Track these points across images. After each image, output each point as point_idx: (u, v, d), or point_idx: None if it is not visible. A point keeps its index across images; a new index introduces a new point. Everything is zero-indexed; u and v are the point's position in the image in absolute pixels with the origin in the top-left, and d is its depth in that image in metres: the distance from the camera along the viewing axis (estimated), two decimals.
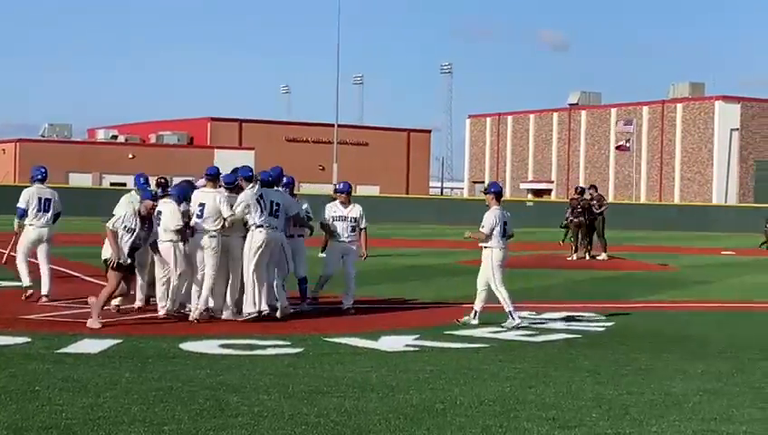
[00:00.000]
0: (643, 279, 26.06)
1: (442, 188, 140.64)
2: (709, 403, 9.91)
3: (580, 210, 31.99)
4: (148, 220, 14.86)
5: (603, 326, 15.85)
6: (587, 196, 33.04)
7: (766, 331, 16.10)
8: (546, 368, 11.78)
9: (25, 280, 17.20)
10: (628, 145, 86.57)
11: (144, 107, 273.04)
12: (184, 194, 15.76)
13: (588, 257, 31.78)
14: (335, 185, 18.99)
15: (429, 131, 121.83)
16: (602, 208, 32.40)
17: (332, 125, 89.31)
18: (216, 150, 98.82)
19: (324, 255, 18.42)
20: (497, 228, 15.54)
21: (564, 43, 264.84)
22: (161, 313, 15.46)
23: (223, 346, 12.87)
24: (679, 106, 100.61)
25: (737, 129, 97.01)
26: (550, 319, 16.52)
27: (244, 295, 15.30)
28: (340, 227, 17.12)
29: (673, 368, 12.00)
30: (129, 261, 14.66)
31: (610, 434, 8.46)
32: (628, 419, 9.10)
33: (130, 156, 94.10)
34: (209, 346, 12.83)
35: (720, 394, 10.40)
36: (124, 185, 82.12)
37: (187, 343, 12.99)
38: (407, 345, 13.36)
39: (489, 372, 11.43)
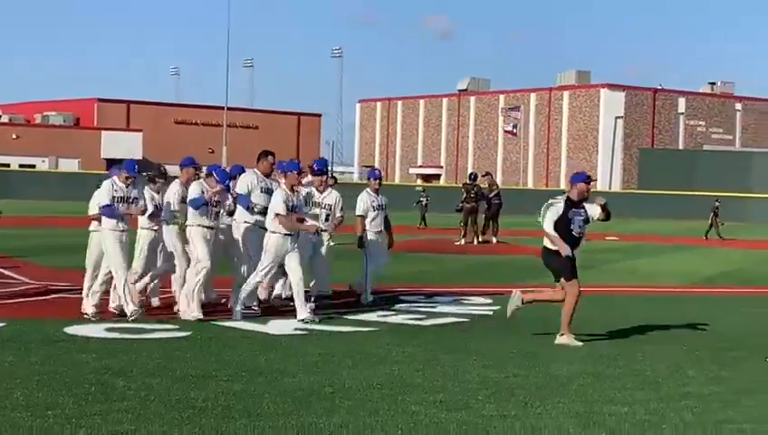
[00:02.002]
0: (530, 264, 26.37)
1: (332, 172, 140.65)
2: (593, 386, 10.09)
3: (473, 196, 32.39)
4: None
5: (491, 310, 16.02)
6: (479, 182, 33.49)
7: (648, 314, 16.45)
8: (434, 351, 11.88)
9: None
10: (515, 131, 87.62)
11: (29, 87, 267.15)
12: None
13: (476, 242, 32.12)
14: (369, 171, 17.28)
15: (320, 115, 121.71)
16: (491, 195, 32.93)
17: (222, 108, 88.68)
18: (103, 132, 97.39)
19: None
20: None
21: (449, 30, 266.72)
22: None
23: (108, 330, 12.69)
24: (566, 93, 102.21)
25: (622, 116, 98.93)
26: (438, 302, 16.63)
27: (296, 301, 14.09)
28: (380, 217, 16.19)
29: (558, 351, 12.20)
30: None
31: (496, 416, 8.57)
32: (514, 401, 9.23)
33: (14, 136, 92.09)
34: (95, 330, 12.64)
35: (603, 377, 10.60)
36: (8, 166, 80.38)
37: (73, 326, 12.78)
38: (295, 329, 13.34)
39: (377, 355, 11.47)
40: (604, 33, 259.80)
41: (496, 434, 7.96)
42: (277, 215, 13.94)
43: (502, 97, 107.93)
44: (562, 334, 12.89)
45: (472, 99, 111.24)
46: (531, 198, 78.48)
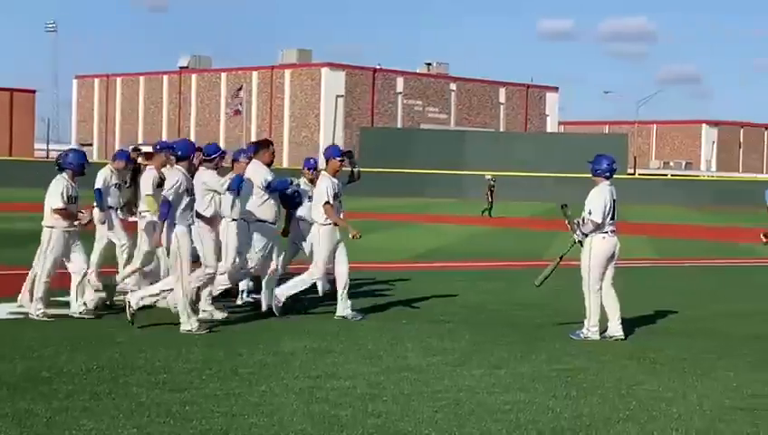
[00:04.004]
0: None
1: (48, 151, 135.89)
2: (316, 361, 10.24)
3: None
4: None
5: (219, 290, 15.92)
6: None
7: (370, 289, 16.82)
8: (158, 332, 11.73)
9: None
10: (240, 109, 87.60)
11: None
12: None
13: None
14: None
15: (34, 91, 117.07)
16: None
17: None
18: None
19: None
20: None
21: (161, 3, 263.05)
22: None
23: None
24: (288, 72, 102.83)
25: (342, 95, 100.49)
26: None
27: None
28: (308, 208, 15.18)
29: (281, 329, 12.29)
30: None
31: (220, 395, 8.56)
32: (238, 379, 9.24)
33: None
34: None
35: (326, 352, 10.77)
36: None
37: None
38: (10, 313, 12.87)
39: (98, 337, 11.22)
40: (325, 11, 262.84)
41: (220, 413, 7.95)
42: (326, 203, 13.37)
43: (224, 75, 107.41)
44: None
45: (193, 76, 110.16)
46: None
